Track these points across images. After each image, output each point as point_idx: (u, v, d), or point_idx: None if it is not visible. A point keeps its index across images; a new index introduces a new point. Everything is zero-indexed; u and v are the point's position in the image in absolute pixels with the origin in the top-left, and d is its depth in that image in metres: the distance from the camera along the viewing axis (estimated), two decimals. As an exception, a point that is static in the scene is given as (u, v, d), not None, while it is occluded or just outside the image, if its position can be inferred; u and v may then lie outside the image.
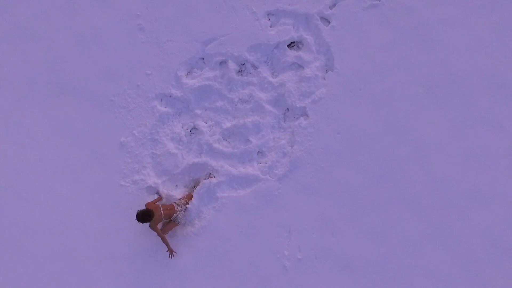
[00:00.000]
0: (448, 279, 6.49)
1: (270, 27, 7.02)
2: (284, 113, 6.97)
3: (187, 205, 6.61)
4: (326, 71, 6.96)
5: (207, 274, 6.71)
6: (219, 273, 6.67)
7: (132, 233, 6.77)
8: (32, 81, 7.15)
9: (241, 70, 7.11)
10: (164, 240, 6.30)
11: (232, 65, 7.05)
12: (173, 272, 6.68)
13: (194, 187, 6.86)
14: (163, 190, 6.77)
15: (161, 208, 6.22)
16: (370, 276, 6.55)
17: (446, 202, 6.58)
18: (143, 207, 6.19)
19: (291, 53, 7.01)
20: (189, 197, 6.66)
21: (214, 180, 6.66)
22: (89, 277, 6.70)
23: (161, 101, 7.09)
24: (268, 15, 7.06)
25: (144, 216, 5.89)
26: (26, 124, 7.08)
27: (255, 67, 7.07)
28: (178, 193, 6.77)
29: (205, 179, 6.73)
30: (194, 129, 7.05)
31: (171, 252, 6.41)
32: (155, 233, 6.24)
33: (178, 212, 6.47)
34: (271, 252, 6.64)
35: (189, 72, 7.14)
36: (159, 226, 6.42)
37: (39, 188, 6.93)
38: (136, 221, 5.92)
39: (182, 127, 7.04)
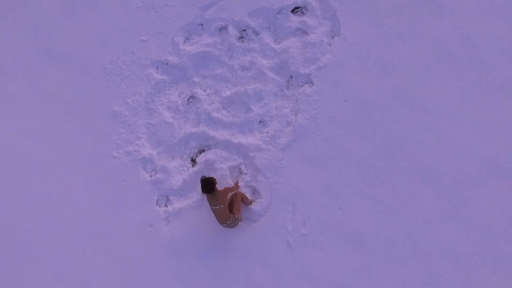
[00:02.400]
0: (464, 256, 6.03)
1: (272, -10, 6.66)
2: (288, 81, 6.56)
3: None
4: (332, 37, 6.57)
5: (205, 250, 6.24)
6: (218, 249, 6.20)
7: (124, 208, 6.32)
8: (18, 48, 6.74)
9: (242, 37, 6.72)
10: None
11: (233, 31, 6.66)
12: (164, 247, 6.22)
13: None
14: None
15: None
16: (379, 252, 6.10)
17: (461, 174, 6.15)
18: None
19: (295, 19, 6.63)
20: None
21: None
22: (77, 253, 6.24)
23: (157, 69, 6.68)
24: (270, -22, 6.69)
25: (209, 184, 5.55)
26: (12, 93, 6.66)
27: (256, 33, 6.68)
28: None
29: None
30: (191, 98, 6.63)
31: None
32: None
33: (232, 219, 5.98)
34: (274, 227, 6.19)
35: (187, 39, 6.75)
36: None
37: (25, 160, 6.49)
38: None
39: (179, 96, 6.63)
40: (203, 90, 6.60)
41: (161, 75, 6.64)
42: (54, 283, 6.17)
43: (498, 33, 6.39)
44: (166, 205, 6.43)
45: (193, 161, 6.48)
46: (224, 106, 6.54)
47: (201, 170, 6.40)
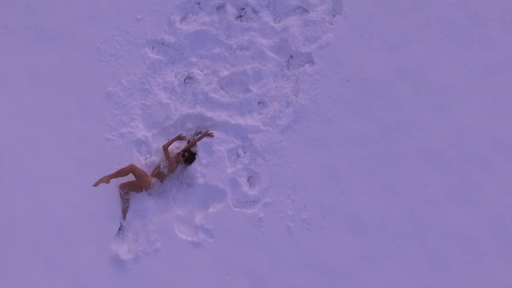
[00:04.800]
0: (473, 240, 5.78)
1: (272, -33, 6.43)
2: (288, 61, 6.32)
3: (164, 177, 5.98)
4: (334, 15, 6.34)
5: (202, 235, 5.99)
6: (216, 235, 5.95)
7: (117, 192, 6.07)
8: (9, 27, 6.49)
9: (241, 15, 6.49)
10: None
11: (231, 9, 6.42)
12: (157, 232, 5.97)
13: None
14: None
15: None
16: (382, 237, 5.86)
17: (468, 154, 5.91)
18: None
19: (296, -4, 6.39)
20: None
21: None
22: (68, 237, 5.99)
23: (152, 49, 6.45)
24: (270, -46, 6.46)
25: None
26: (3, 74, 6.41)
27: (255, 11, 6.45)
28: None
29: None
30: (188, 78, 6.39)
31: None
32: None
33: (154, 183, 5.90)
34: (273, 211, 5.94)
35: (183, 18, 6.52)
36: None
37: (16, 142, 6.24)
38: None
39: (176, 76, 6.39)
40: (200, 70, 6.36)
41: (157, 55, 6.41)
42: (45, 267, 5.92)
43: (506, 10, 6.16)
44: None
45: (189, 142, 6.23)
46: (222, 87, 6.31)
47: (198, 152, 6.15)
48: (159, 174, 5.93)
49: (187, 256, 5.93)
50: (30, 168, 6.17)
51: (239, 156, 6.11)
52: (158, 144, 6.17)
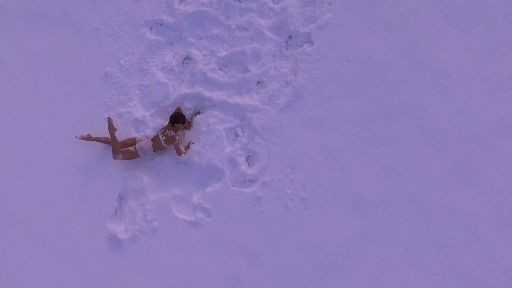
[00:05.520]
0: (474, 220, 5.72)
1: None
2: (287, 41, 6.28)
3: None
4: (333, -4, 6.31)
5: (200, 214, 5.93)
6: (213, 214, 5.89)
7: (115, 172, 6.03)
8: (5, 8, 6.47)
9: (240, -3, 6.46)
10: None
11: (230, -10, 6.39)
12: (154, 212, 5.90)
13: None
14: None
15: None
16: (383, 217, 5.79)
17: (469, 135, 5.86)
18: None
19: (294, -23, 6.36)
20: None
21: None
22: (64, 217, 5.94)
23: (151, 29, 6.42)
24: None
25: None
26: (0, 55, 6.37)
27: (254, -8, 6.42)
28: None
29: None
30: (187, 59, 6.36)
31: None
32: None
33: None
34: (272, 190, 5.88)
35: (182, -1, 6.49)
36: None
37: (13, 124, 6.21)
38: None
39: (174, 57, 6.35)
40: (199, 51, 6.33)
41: (155, 35, 6.38)
42: (41, 247, 5.86)
43: (506, -11, 6.12)
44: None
45: (188, 123, 6.18)
46: (221, 67, 6.27)
47: (196, 131, 6.10)
48: (155, 141, 5.85)
49: (184, 236, 5.87)
50: (26, 149, 6.13)
51: (237, 135, 6.06)
52: (155, 124, 6.12)
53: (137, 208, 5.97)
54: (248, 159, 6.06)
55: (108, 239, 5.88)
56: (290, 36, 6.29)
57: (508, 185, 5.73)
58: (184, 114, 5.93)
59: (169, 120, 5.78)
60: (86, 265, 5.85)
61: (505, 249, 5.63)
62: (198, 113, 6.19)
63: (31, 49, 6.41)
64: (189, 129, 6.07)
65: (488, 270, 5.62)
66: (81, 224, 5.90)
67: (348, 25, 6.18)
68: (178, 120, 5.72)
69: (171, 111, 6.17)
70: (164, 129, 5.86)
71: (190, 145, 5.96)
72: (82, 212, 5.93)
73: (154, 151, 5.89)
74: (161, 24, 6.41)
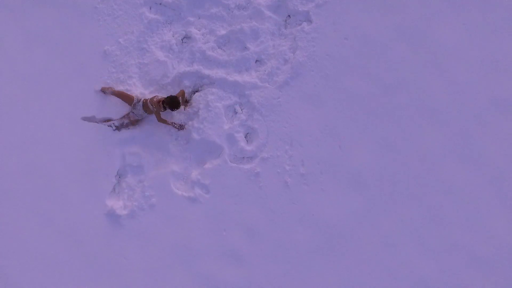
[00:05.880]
0: (472, 197, 5.74)
1: None
2: (285, 20, 6.31)
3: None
4: (332, -25, 6.33)
5: (198, 191, 5.92)
6: (212, 189, 5.89)
7: (114, 150, 6.02)
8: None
9: (239, -24, 6.48)
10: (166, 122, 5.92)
11: (229, -30, 6.42)
12: (152, 188, 5.90)
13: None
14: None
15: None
16: (381, 193, 5.82)
17: (467, 113, 5.89)
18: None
19: (293, -42, 6.39)
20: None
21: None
22: (63, 194, 5.92)
23: (150, 9, 6.43)
24: None
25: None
26: (-3, 35, 6.37)
27: (253, -28, 6.44)
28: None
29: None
30: (186, 38, 6.37)
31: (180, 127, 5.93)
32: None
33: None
34: (271, 166, 5.88)
35: (181, -22, 6.51)
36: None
37: (12, 103, 6.18)
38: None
39: (173, 36, 6.36)
40: (198, 30, 6.34)
41: (155, 14, 6.39)
42: (39, 223, 5.84)
43: (503, -32, 6.16)
44: (157, 146, 6.14)
45: (187, 101, 6.19)
46: (220, 46, 6.28)
47: (194, 109, 6.11)
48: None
49: (183, 212, 5.87)
50: (25, 127, 6.10)
51: (236, 112, 6.07)
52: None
53: (136, 184, 5.97)
54: (247, 136, 6.06)
55: (106, 216, 5.87)
56: (289, 15, 6.31)
57: (507, 161, 5.74)
58: (184, 94, 6.03)
59: (165, 101, 5.75)
60: (84, 241, 5.83)
61: (505, 226, 5.65)
62: (197, 91, 6.20)
63: (30, 29, 6.40)
64: (186, 107, 6.07)
65: (487, 247, 5.64)
66: (79, 200, 5.89)
67: (346, 3, 6.21)
68: (172, 106, 5.75)
69: (170, 89, 6.17)
70: (158, 103, 5.81)
71: (184, 126, 5.95)
72: (81, 189, 5.92)
73: (143, 108, 5.90)
74: (160, 4, 6.43)
